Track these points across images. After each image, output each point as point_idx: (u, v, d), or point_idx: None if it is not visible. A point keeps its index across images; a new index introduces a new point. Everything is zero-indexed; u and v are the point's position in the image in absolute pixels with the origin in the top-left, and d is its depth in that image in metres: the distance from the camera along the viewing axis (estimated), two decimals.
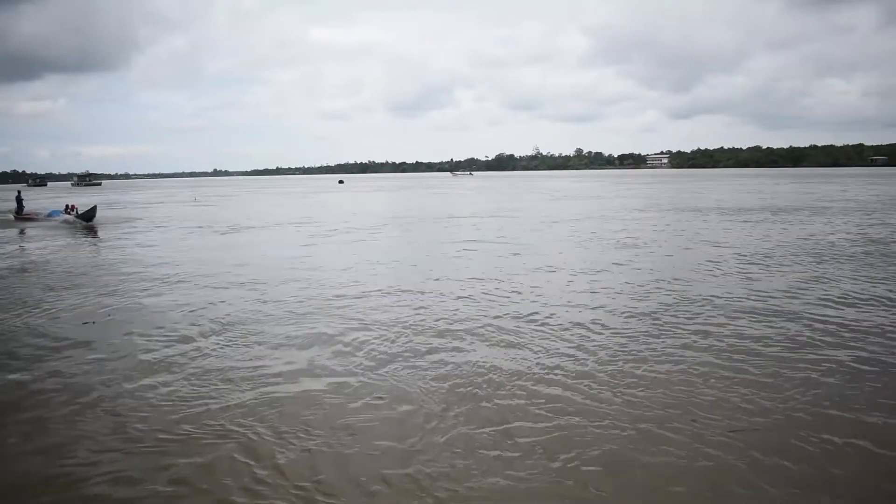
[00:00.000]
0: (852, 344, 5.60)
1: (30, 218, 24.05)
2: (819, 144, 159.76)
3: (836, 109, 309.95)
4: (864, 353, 5.32)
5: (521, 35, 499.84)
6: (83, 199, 44.47)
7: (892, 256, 10.58)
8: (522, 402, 4.44)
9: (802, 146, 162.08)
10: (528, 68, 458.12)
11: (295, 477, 3.47)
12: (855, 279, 8.58)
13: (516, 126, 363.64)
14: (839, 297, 7.44)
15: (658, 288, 8.27)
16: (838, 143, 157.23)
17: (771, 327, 6.19)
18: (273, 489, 3.37)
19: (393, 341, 5.95)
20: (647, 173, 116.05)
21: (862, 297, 7.47)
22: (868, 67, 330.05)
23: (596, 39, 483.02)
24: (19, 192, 26.24)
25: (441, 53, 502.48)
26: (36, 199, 46.52)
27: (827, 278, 8.70)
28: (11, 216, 24.76)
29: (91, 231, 19.42)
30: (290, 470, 3.54)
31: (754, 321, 6.44)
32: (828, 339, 5.77)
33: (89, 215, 21.64)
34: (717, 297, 7.62)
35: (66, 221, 21.79)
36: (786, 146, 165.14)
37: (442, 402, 4.45)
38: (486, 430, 3.98)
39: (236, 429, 4.07)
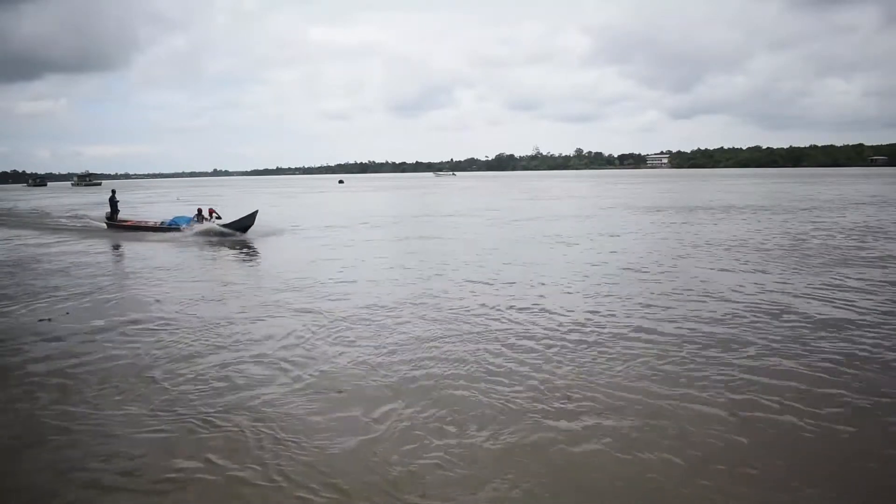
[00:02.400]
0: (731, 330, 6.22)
1: (129, 226, 17.98)
2: (819, 144, 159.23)
3: (836, 109, 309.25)
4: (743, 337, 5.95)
5: (521, 35, 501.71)
6: (83, 199, 45.12)
7: (808, 252, 11.20)
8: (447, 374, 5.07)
9: (802, 146, 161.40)
10: (528, 68, 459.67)
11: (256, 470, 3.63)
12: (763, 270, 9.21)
13: (516, 126, 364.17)
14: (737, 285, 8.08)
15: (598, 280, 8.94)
16: (838, 143, 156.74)
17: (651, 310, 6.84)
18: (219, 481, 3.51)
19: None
20: (645, 173, 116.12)
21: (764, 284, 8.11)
22: (868, 67, 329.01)
23: (596, 39, 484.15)
24: (113, 191, 19.84)
25: (441, 53, 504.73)
26: (38, 199, 46.81)
27: (738, 267, 9.35)
28: (104, 224, 19.14)
29: (249, 248, 13.84)
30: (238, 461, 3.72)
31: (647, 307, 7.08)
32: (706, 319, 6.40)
33: (246, 223, 15.48)
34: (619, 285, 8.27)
35: (203, 233, 15.42)
36: (786, 146, 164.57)
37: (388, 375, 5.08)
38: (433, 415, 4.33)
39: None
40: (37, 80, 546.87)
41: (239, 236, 15.11)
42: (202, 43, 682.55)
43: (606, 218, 19.99)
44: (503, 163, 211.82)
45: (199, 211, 16.59)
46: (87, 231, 18.77)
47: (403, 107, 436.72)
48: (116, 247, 14.83)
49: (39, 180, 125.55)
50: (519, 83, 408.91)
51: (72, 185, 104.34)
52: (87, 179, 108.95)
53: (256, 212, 15.80)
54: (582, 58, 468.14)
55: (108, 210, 19.23)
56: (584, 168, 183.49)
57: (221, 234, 15.13)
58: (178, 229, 16.15)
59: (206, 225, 15.85)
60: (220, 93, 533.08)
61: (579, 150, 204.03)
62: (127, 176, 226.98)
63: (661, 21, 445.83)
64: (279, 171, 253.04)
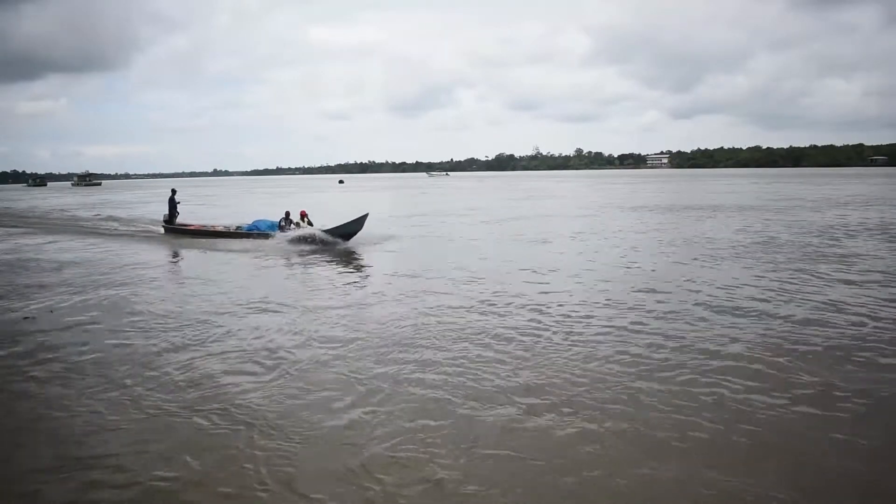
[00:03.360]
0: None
1: (193, 230, 15.85)
2: (819, 144, 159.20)
3: (836, 109, 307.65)
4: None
5: (521, 35, 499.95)
6: (88, 198, 45.11)
7: (773, 246, 11.27)
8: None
9: (802, 146, 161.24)
10: (528, 68, 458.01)
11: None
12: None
13: (516, 126, 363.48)
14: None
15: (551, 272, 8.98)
16: (838, 143, 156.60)
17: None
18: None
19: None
20: (645, 173, 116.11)
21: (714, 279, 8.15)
22: (869, 67, 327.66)
23: (597, 39, 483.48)
24: (174, 190, 17.18)
25: (441, 53, 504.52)
26: (45, 199, 46.67)
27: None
28: (161, 229, 17.05)
29: (354, 259, 11.68)
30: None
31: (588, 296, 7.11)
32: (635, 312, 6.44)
33: (351, 229, 13.19)
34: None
35: (297, 241, 13.09)
36: (786, 146, 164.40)
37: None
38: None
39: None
40: (37, 80, 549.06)
41: (342, 245, 12.90)
42: (202, 43, 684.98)
43: (600, 217, 20.08)
44: (503, 163, 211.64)
45: (287, 214, 14.27)
46: (139, 236, 16.54)
47: (403, 107, 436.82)
48: (175, 255, 13.03)
49: (39, 180, 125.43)
50: (519, 83, 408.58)
51: (72, 184, 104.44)
52: (87, 179, 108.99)
53: (366, 215, 13.19)
54: (582, 58, 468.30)
55: (167, 212, 16.81)
56: (585, 168, 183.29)
57: (318, 242, 12.81)
58: (262, 236, 13.85)
59: (300, 231, 13.41)
60: (220, 93, 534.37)
61: (579, 150, 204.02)
62: (127, 176, 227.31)
63: (661, 21, 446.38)
64: (279, 171, 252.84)
